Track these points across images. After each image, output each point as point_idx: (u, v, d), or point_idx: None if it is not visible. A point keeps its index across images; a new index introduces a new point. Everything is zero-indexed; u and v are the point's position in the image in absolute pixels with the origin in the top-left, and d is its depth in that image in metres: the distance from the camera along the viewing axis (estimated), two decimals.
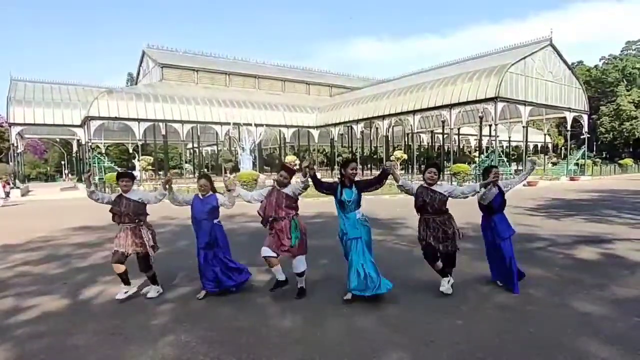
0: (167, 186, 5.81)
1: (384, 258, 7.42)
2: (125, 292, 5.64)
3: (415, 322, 4.72)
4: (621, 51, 74.62)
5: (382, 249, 8.35)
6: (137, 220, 5.71)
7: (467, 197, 5.68)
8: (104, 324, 4.84)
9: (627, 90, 65.93)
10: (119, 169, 31.13)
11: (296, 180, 5.88)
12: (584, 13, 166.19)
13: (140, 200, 5.76)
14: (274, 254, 5.53)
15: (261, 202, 5.78)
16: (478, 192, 5.73)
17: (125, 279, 5.66)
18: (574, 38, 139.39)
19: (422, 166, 46.31)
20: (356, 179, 5.58)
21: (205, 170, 48.99)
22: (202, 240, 5.72)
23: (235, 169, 33.72)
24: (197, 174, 40.09)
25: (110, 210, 5.74)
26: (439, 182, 5.66)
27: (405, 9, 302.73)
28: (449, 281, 5.62)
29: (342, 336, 4.40)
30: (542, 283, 6.06)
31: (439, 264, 5.57)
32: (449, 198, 5.61)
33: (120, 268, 5.57)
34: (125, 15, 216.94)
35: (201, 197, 5.83)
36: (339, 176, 5.60)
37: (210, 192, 5.86)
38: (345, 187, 5.47)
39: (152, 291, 5.87)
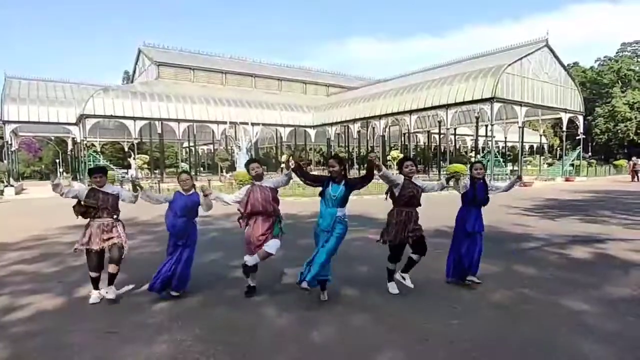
0: (136, 188, 5.73)
1: (379, 257, 7.41)
2: (98, 297, 5.55)
3: (411, 321, 4.73)
4: (616, 53, 74.81)
5: (377, 248, 8.34)
6: (114, 215, 5.64)
7: (436, 191, 6.01)
8: (99, 323, 4.83)
9: (622, 92, 66.18)
10: (114, 167, 31.17)
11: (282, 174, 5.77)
12: (579, 14, 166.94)
13: (116, 194, 5.66)
14: (256, 260, 5.52)
15: (239, 202, 5.67)
16: (446, 186, 6.03)
17: (96, 284, 5.60)
18: (570, 39, 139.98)
19: (419, 166, 46.56)
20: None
21: (201, 169, 48.99)
22: (178, 238, 5.59)
23: (232, 168, 33.70)
24: (192, 173, 40.17)
25: (84, 204, 5.50)
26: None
27: (402, 9, 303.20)
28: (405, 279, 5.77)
29: (337, 335, 4.40)
30: (537, 282, 6.08)
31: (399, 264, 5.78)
32: (424, 191, 5.79)
33: (95, 274, 5.54)
34: (121, 13, 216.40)
35: (184, 193, 5.70)
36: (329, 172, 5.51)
37: (193, 190, 5.78)
38: (335, 182, 5.39)
39: (102, 291, 5.57)
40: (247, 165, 5.88)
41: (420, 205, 5.73)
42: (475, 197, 5.94)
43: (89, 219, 5.61)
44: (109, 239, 5.50)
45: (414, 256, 5.72)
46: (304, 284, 4.97)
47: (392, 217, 5.70)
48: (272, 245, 5.52)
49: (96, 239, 5.48)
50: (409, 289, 5.77)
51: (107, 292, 5.48)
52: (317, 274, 5.04)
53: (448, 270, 6.21)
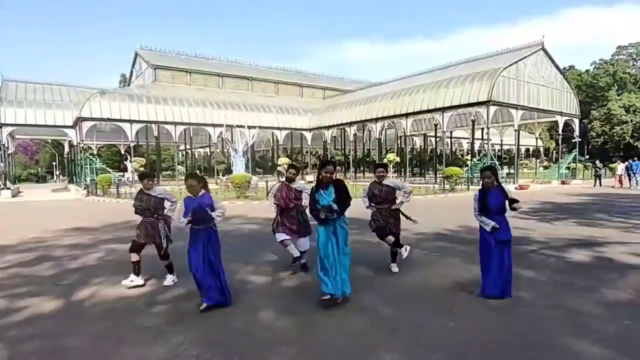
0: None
1: (378, 260, 7.45)
2: (132, 281, 6.26)
3: (408, 324, 4.73)
4: (612, 56, 75.28)
5: (375, 251, 8.36)
6: (155, 215, 6.26)
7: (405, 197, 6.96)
8: (96, 326, 4.81)
9: (618, 95, 66.51)
10: (110, 170, 31.10)
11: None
12: (575, 18, 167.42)
13: (160, 197, 6.29)
14: (287, 237, 6.86)
15: (274, 196, 7.09)
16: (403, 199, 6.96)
17: (136, 269, 6.30)
18: (566, 42, 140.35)
19: (415, 169, 46.76)
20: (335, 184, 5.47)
21: (198, 172, 48.89)
22: (196, 246, 5.25)
23: (228, 170, 33.65)
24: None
25: (133, 205, 6.41)
26: (389, 176, 6.32)
27: (397, 12, 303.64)
28: (405, 249, 6.99)
29: (335, 337, 4.40)
30: (534, 285, 6.09)
31: (390, 237, 6.85)
32: (398, 190, 6.91)
33: (135, 257, 6.28)
34: (118, 16, 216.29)
35: (193, 197, 5.32)
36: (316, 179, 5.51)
37: (203, 191, 5.37)
38: (320, 191, 5.35)
39: (168, 279, 6.40)
40: (287, 168, 7.21)
41: (389, 201, 6.81)
42: (486, 205, 5.54)
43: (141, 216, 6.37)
44: (151, 236, 6.25)
45: (393, 250, 6.94)
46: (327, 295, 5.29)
47: (372, 212, 6.97)
48: (303, 245, 7.00)
49: (142, 234, 6.28)
50: (407, 291, 5.85)
51: (166, 280, 6.45)
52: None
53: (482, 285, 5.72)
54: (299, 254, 6.93)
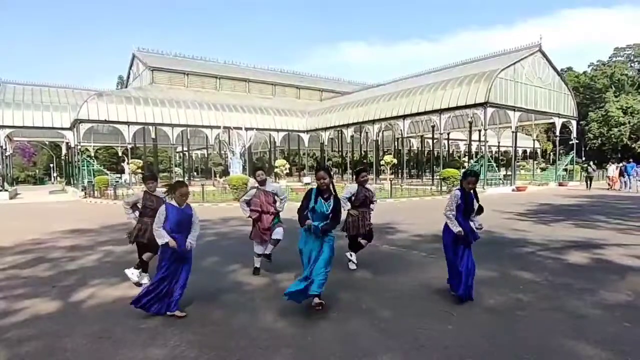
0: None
1: (376, 262, 7.46)
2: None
3: (406, 327, 4.72)
4: (609, 57, 75.41)
5: (373, 253, 8.36)
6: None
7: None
8: (93, 327, 4.79)
9: (616, 97, 66.59)
10: (108, 172, 31.05)
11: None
12: (572, 19, 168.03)
13: (163, 198, 6.19)
14: (264, 251, 6.95)
15: (249, 200, 6.99)
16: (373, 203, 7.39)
17: (145, 267, 6.49)
18: (563, 44, 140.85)
19: (412, 171, 46.82)
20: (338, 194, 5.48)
21: (195, 174, 48.84)
22: (176, 256, 5.13)
23: (225, 172, 33.64)
24: (186, 178, 40.01)
25: (143, 206, 6.39)
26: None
27: (395, 14, 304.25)
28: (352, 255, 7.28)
29: (332, 340, 4.39)
30: (532, 288, 6.09)
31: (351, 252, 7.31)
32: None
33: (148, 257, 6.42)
34: (116, 18, 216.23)
35: (176, 206, 5.22)
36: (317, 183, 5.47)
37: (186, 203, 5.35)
38: (322, 197, 5.33)
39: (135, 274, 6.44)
40: (253, 172, 7.16)
41: (371, 204, 7.31)
42: (467, 206, 5.61)
43: (141, 217, 6.43)
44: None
45: (363, 241, 7.29)
46: (316, 300, 5.01)
47: (350, 216, 7.13)
48: (278, 232, 6.91)
49: (146, 234, 6.21)
50: (405, 293, 5.84)
51: (132, 274, 6.39)
52: (322, 283, 5.07)
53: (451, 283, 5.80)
54: (259, 268, 7.01)
